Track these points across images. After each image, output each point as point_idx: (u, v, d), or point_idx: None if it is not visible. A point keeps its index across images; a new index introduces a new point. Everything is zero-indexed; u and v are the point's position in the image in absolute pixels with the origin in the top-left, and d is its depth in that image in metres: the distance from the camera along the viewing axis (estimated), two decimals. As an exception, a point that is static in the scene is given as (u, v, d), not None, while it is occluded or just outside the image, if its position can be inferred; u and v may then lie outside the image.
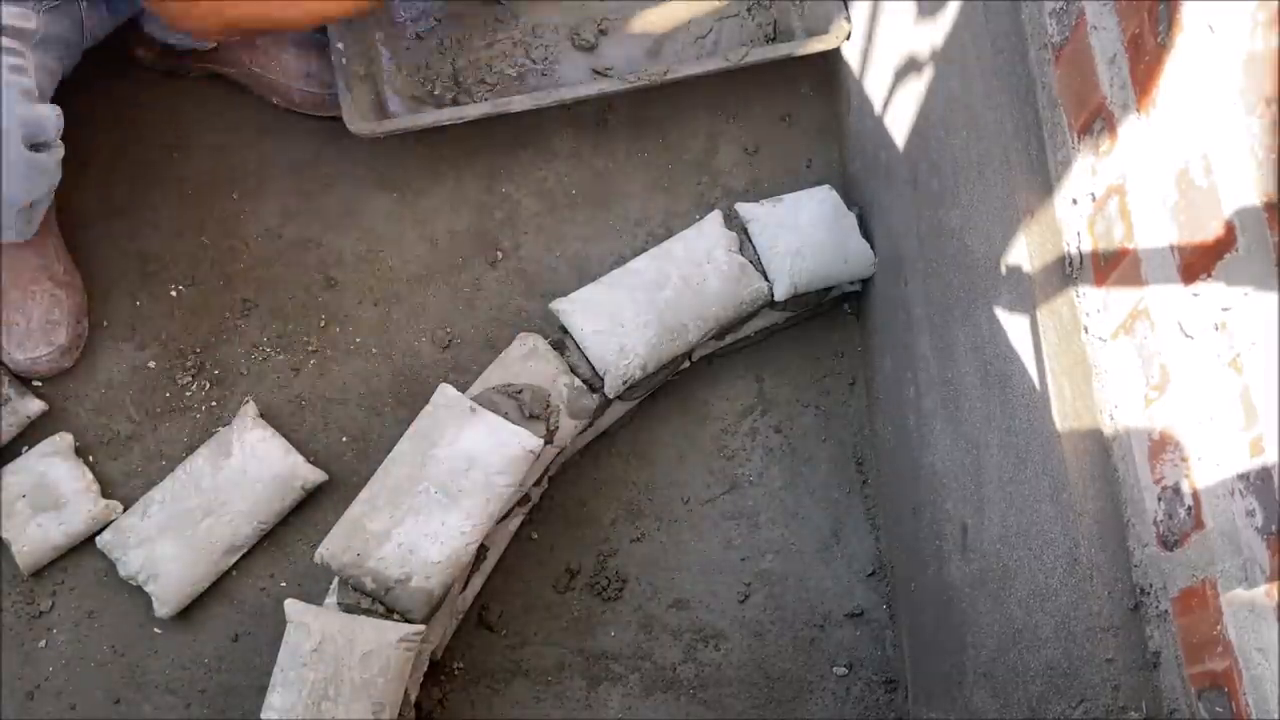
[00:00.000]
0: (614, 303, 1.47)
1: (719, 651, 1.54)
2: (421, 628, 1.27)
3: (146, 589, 1.44)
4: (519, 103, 1.62)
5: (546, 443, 1.40)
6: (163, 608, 1.44)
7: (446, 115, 1.62)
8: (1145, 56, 0.88)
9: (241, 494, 1.46)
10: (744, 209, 1.58)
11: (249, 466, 1.47)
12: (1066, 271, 1.03)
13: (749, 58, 1.65)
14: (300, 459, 1.50)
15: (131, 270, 1.65)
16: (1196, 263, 0.82)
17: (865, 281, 1.63)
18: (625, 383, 1.46)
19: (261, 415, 1.57)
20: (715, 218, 1.57)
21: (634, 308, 1.46)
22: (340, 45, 1.62)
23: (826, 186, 1.62)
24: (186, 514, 1.45)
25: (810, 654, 1.54)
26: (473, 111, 1.62)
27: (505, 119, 1.67)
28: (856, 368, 1.69)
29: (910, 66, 1.39)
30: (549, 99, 1.63)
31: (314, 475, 1.50)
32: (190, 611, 1.50)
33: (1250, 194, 0.75)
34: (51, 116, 1.36)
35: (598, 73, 1.75)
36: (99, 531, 1.50)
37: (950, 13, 1.25)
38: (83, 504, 1.49)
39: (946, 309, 1.29)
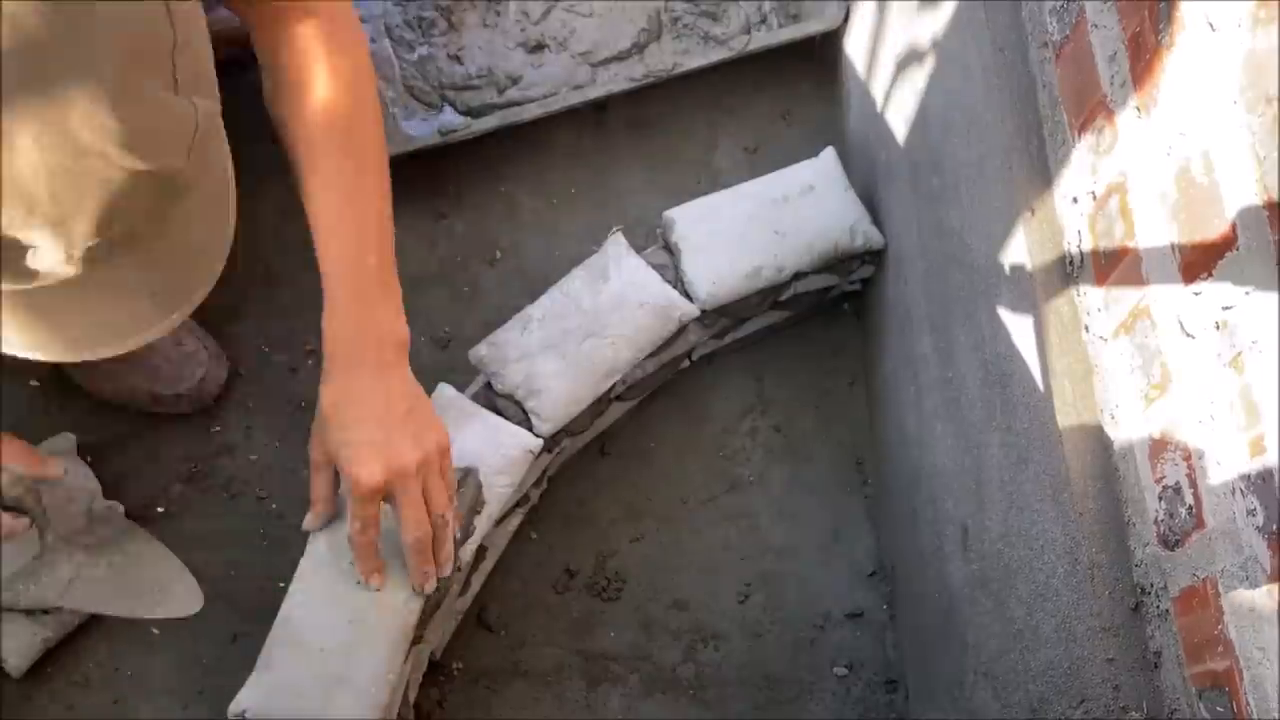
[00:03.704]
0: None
1: (719, 652, 1.54)
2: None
3: (525, 405, 1.38)
4: (529, 111, 1.62)
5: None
6: (544, 425, 1.38)
7: (458, 135, 1.61)
8: (1146, 54, 0.88)
9: (621, 318, 1.42)
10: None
11: (628, 293, 1.43)
12: (1067, 270, 1.03)
13: (752, 44, 1.66)
14: (675, 292, 1.45)
15: (130, 270, 1.65)
16: (1197, 262, 0.82)
17: (865, 281, 1.62)
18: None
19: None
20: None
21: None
22: (339, 45, 1.62)
23: (830, 149, 1.59)
24: (567, 333, 1.41)
25: (810, 654, 1.54)
26: (480, 127, 1.62)
27: (504, 118, 1.67)
28: (856, 368, 1.68)
29: (910, 64, 1.39)
30: (557, 105, 1.63)
31: (690, 310, 1.45)
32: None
33: (1251, 193, 0.74)
34: None
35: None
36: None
37: (950, 11, 1.25)
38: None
39: (947, 308, 1.29)
